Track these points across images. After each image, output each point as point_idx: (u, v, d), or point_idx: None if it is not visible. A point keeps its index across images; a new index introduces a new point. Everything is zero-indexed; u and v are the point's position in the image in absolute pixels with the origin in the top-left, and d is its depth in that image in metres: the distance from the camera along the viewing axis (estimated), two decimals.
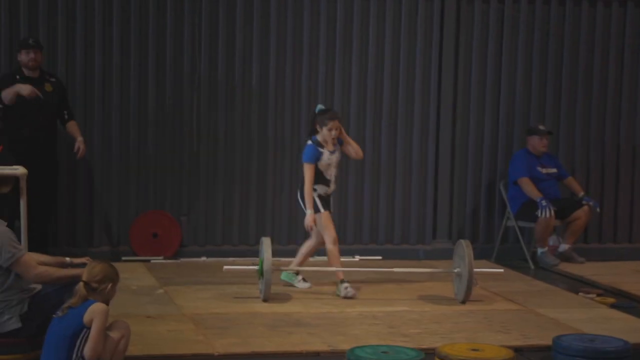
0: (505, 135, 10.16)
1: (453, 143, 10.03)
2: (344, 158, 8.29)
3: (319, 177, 7.92)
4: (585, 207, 9.70)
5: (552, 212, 9.43)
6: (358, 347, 5.91)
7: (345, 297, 7.72)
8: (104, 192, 9.37)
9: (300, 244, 9.67)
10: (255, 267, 7.74)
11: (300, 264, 8.23)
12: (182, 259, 9.38)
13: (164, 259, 9.34)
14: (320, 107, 8.14)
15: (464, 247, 7.69)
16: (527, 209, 9.60)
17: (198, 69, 9.48)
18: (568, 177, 10.00)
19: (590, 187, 10.26)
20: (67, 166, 9.18)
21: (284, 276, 8.22)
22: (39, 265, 5.63)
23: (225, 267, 7.93)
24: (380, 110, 9.86)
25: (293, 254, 9.56)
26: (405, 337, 6.60)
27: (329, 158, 7.91)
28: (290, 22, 9.63)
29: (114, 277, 5.37)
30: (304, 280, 8.20)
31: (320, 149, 7.88)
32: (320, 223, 7.91)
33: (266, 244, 7.64)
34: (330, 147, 7.91)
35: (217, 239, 9.64)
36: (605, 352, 5.93)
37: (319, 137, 7.91)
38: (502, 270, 8.41)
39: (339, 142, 8.02)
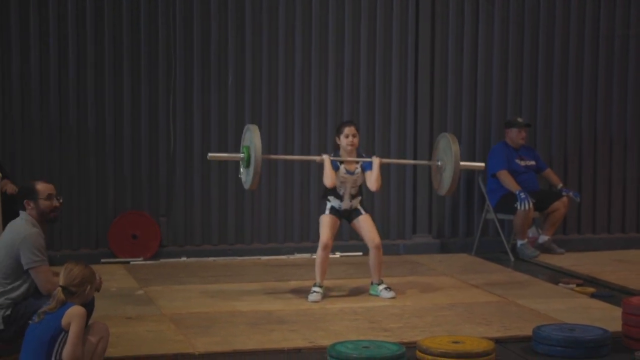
0: (483, 129, 10.17)
1: (431, 137, 10.01)
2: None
3: (332, 190, 7.70)
4: (564, 199, 9.73)
5: (531, 204, 9.44)
6: (339, 342, 5.90)
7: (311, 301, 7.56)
8: (82, 193, 9.33)
9: (280, 242, 9.74)
10: (241, 155, 7.48)
11: (378, 274, 7.79)
12: (162, 260, 9.35)
13: (144, 260, 9.30)
14: None
15: (450, 142, 7.53)
16: (506, 201, 9.61)
17: (174, 68, 9.44)
18: (546, 169, 10.02)
19: (568, 179, 10.28)
20: (40, 169, 9.14)
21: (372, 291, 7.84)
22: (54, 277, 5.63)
23: (210, 154, 7.81)
24: (358, 104, 9.85)
25: (273, 252, 9.62)
26: (386, 331, 6.60)
27: (343, 176, 7.67)
28: (265, 19, 9.61)
29: (91, 279, 5.36)
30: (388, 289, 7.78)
31: (339, 164, 7.67)
32: (320, 222, 7.72)
33: (254, 131, 7.36)
34: (350, 166, 7.69)
35: (197, 239, 9.60)
36: (584, 341, 5.95)
37: (340, 152, 7.69)
38: (482, 164, 8.22)
39: (366, 167, 7.71)
